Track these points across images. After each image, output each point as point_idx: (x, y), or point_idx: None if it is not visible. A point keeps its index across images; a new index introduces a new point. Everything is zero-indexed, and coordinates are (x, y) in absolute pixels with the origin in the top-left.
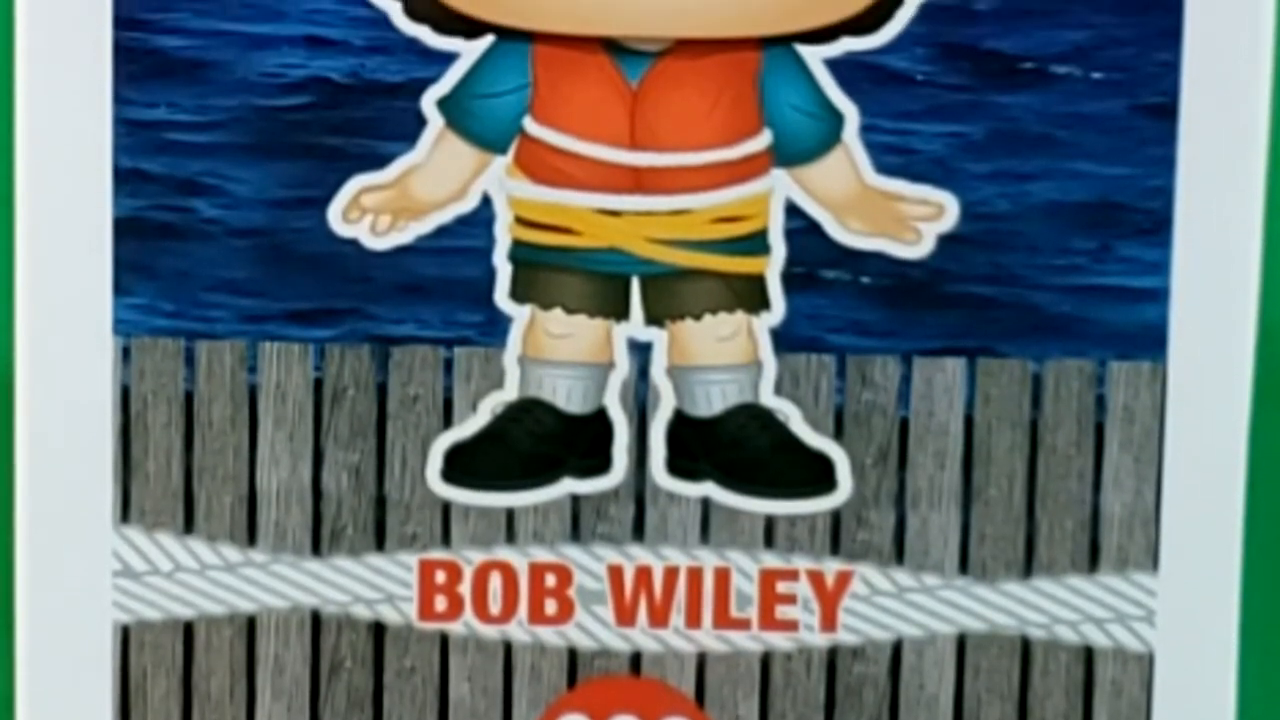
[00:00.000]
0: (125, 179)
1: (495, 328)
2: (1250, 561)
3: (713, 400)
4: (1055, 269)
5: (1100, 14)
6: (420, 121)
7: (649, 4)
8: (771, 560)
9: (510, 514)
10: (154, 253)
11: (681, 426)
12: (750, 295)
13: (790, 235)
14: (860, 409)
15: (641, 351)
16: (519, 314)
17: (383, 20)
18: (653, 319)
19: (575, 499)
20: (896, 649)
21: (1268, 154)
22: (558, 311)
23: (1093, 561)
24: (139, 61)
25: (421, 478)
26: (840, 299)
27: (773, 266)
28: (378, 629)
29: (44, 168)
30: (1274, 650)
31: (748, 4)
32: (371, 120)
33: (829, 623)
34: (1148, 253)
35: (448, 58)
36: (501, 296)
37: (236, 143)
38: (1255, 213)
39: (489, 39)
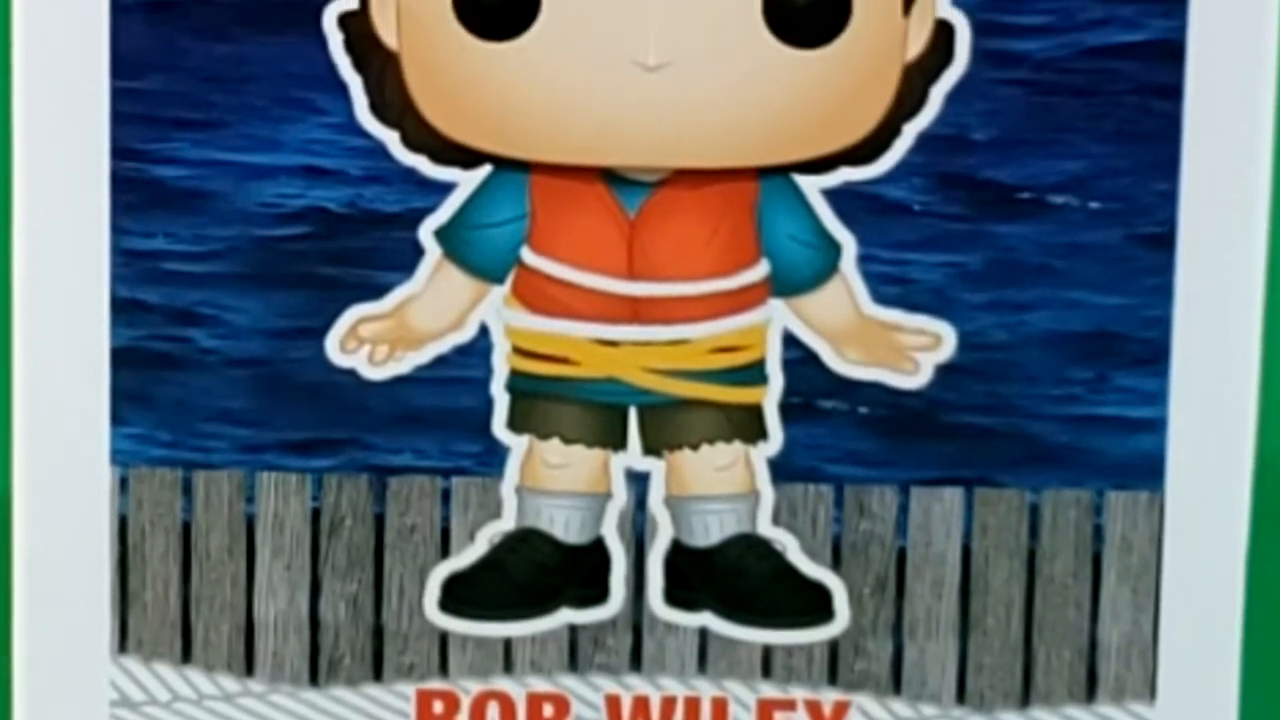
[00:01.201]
0: (123, 309)
1: (493, 458)
2: (1248, 690)
3: (710, 530)
4: (1053, 399)
5: (1098, 144)
6: (418, 251)
7: (647, 134)
8: (769, 690)
9: (508, 644)
10: (151, 383)
11: (679, 556)
12: (748, 425)
13: (788, 365)
14: (858, 539)
15: (639, 481)
16: (516, 444)
17: (380, 150)
18: (650, 449)
19: (573, 629)
20: None
21: (1265, 284)
22: (555, 441)
23: (1090, 691)
24: (136, 191)
25: (419, 608)
26: (838, 429)
27: (770, 396)
28: None
29: (42, 297)
30: None
31: (745, 134)
32: (369, 250)
33: None
34: (1145, 383)
35: (445, 188)
36: (499, 426)
37: (234, 273)
38: (1253, 342)
39: (486, 169)
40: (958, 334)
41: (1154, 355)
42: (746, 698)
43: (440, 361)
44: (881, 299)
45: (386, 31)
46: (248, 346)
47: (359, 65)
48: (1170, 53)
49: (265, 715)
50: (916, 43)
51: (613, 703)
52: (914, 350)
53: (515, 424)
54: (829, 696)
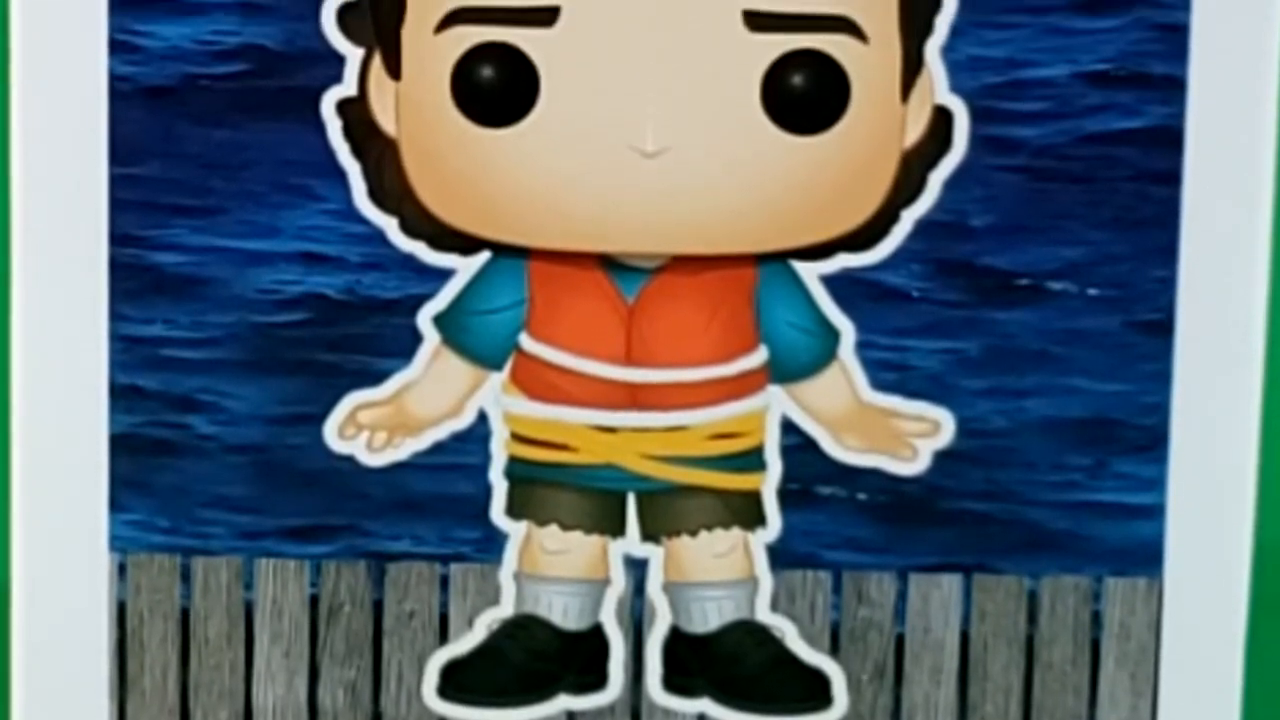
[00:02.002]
0: (121, 395)
1: (491, 544)
2: None
3: (709, 616)
4: (1051, 485)
5: (1096, 230)
6: (416, 338)
7: (645, 221)
8: None
9: None
10: (150, 469)
11: (678, 642)
12: (746, 511)
13: (786, 451)
14: (856, 625)
15: (637, 567)
16: (515, 530)
17: (379, 237)
18: (649, 535)
19: (571, 715)
20: None
21: (1264, 370)
22: (553, 528)
23: None
24: (135, 277)
25: (418, 694)
26: (836, 515)
27: (769, 483)
28: None
29: (41, 383)
30: None
31: (744, 221)
32: (367, 337)
33: None
34: (1144, 469)
35: (444, 274)
36: (497, 513)
37: (232, 359)
38: (1252, 428)
39: (485, 255)
40: (956, 420)
41: (1152, 441)
42: None
43: (438, 448)
44: (880, 385)
45: (385, 118)
46: (246, 433)
47: (357, 152)
48: (1169, 139)
49: None
50: (915, 129)
51: None
52: (912, 437)
53: (513, 510)
54: None
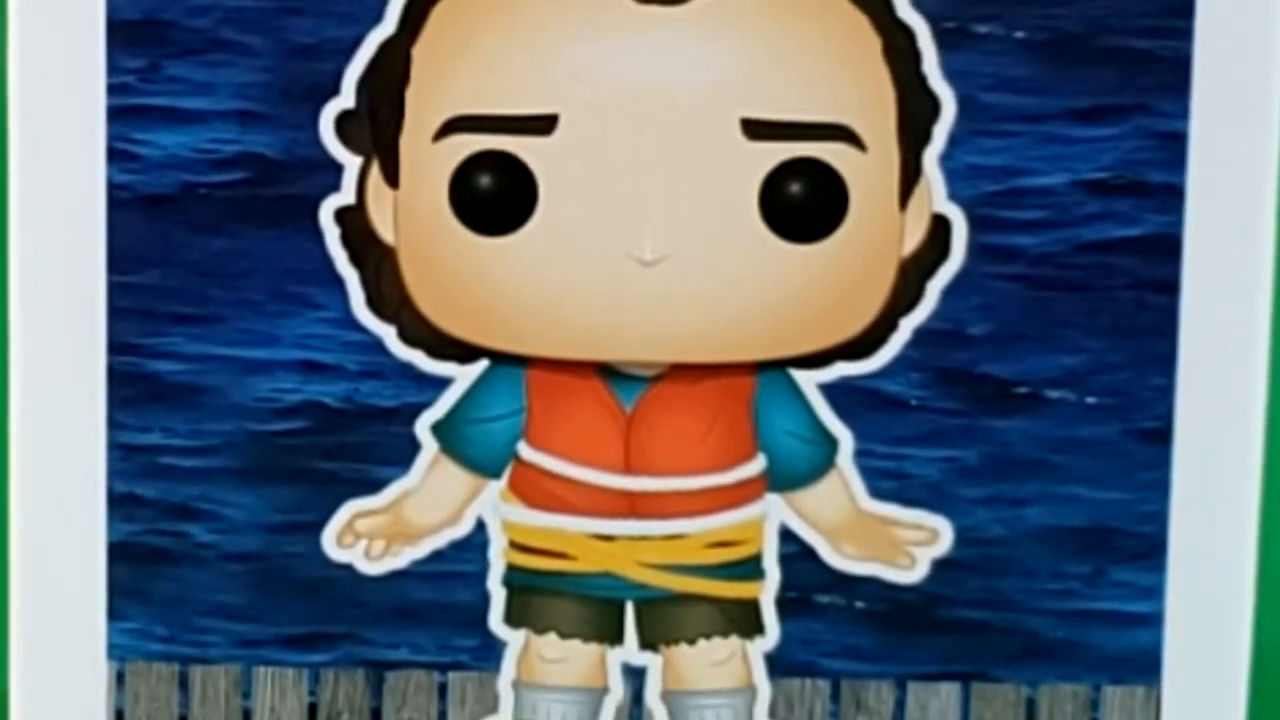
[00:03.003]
0: (119, 504)
1: (489, 653)
2: None
3: None
4: (1049, 594)
5: (1094, 339)
6: (414, 446)
7: (643, 329)
8: None
9: None
10: (148, 578)
11: None
12: (744, 620)
13: (784, 560)
14: None
15: (636, 676)
16: (513, 639)
17: (377, 345)
18: (647, 643)
19: None
20: None
21: (1261, 479)
22: (552, 636)
23: None
24: (133, 386)
25: None
26: (834, 624)
27: (767, 591)
28: None
29: (39, 491)
30: None
31: (742, 329)
32: (366, 445)
33: None
34: (1142, 577)
35: (442, 382)
36: (496, 621)
37: (230, 467)
38: (1249, 538)
39: (483, 364)
40: (954, 529)
41: (1150, 550)
42: None
43: (437, 556)
44: (878, 493)
45: (383, 226)
46: (244, 541)
47: (356, 260)
48: (1167, 248)
49: None
50: (913, 237)
51: None
52: (911, 545)
53: (512, 618)
54: None
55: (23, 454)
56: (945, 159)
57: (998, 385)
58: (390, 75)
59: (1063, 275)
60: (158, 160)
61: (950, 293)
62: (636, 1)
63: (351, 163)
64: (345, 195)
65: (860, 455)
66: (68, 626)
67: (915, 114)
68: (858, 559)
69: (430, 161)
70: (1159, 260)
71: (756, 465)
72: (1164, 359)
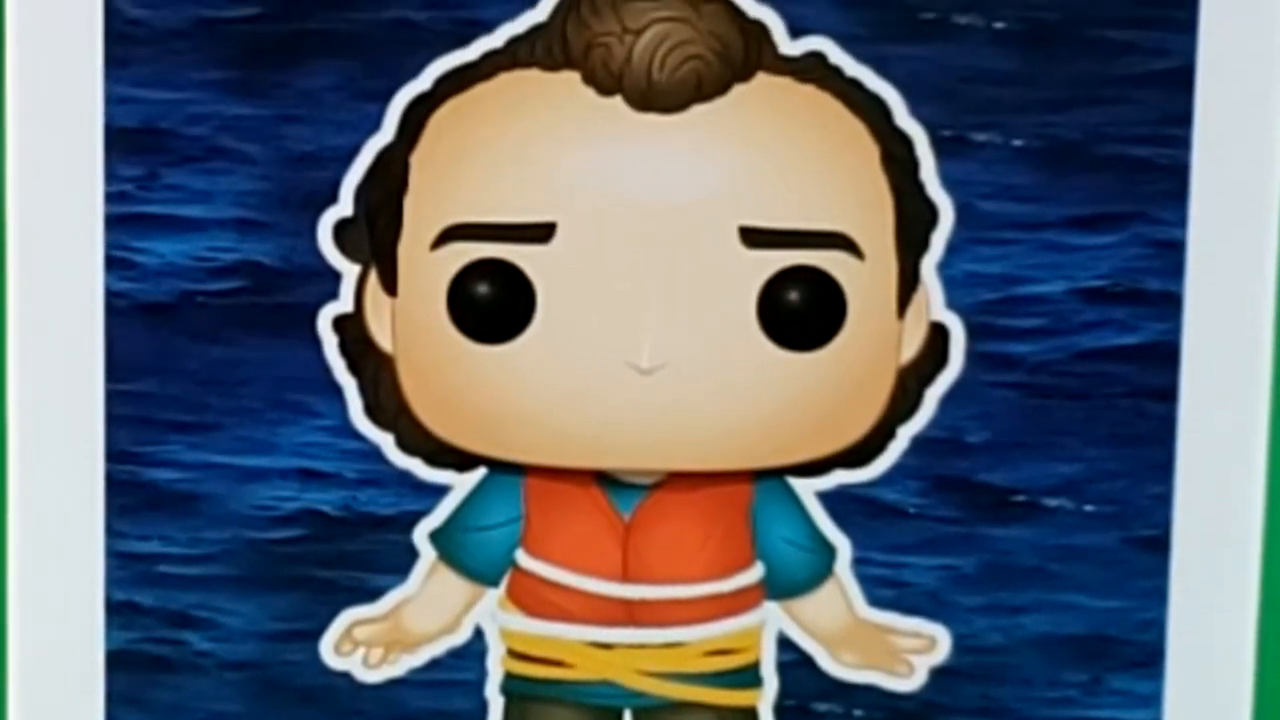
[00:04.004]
0: (117, 611)
1: None
2: None
3: None
4: (1047, 701)
5: (1092, 447)
6: (412, 554)
7: (641, 437)
8: None
9: None
10: (146, 685)
11: None
12: None
13: (782, 668)
14: None
15: None
16: None
17: (375, 453)
18: None
19: None
20: None
21: (1260, 589)
22: None
23: None
24: (131, 494)
25: None
26: None
27: (765, 699)
28: None
29: (37, 600)
30: None
31: (740, 437)
32: (364, 553)
33: None
34: (1140, 685)
35: (440, 490)
36: None
37: (229, 575)
38: (1247, 648)
39: (481, 472)
40: (952, 637)
41: (1149, 658)
42: None
43: (435, 664)
44: (876, 602)
45: (381, 335)
46: (242, 650)
47: (354, 368)
48: (1165, 355)
49: None
50: (911, 345)
51: None
52: (909, 653)
53: None
54: None
55: (21, 561)
56: (943, 267)
57: (996, 493)
58: (388, 183)
59: (1061, 383)
60: (156, 268)
61: (948, 401)
62: (634, 110)
63: (350, 271)
64: (343, 303)
65: (858, 563)
66: None
67: (913, 222)
68: (856, 667)
69: (428, 269)
70: (1157, 368)
71: (755, 573)
72: (1162, 467)
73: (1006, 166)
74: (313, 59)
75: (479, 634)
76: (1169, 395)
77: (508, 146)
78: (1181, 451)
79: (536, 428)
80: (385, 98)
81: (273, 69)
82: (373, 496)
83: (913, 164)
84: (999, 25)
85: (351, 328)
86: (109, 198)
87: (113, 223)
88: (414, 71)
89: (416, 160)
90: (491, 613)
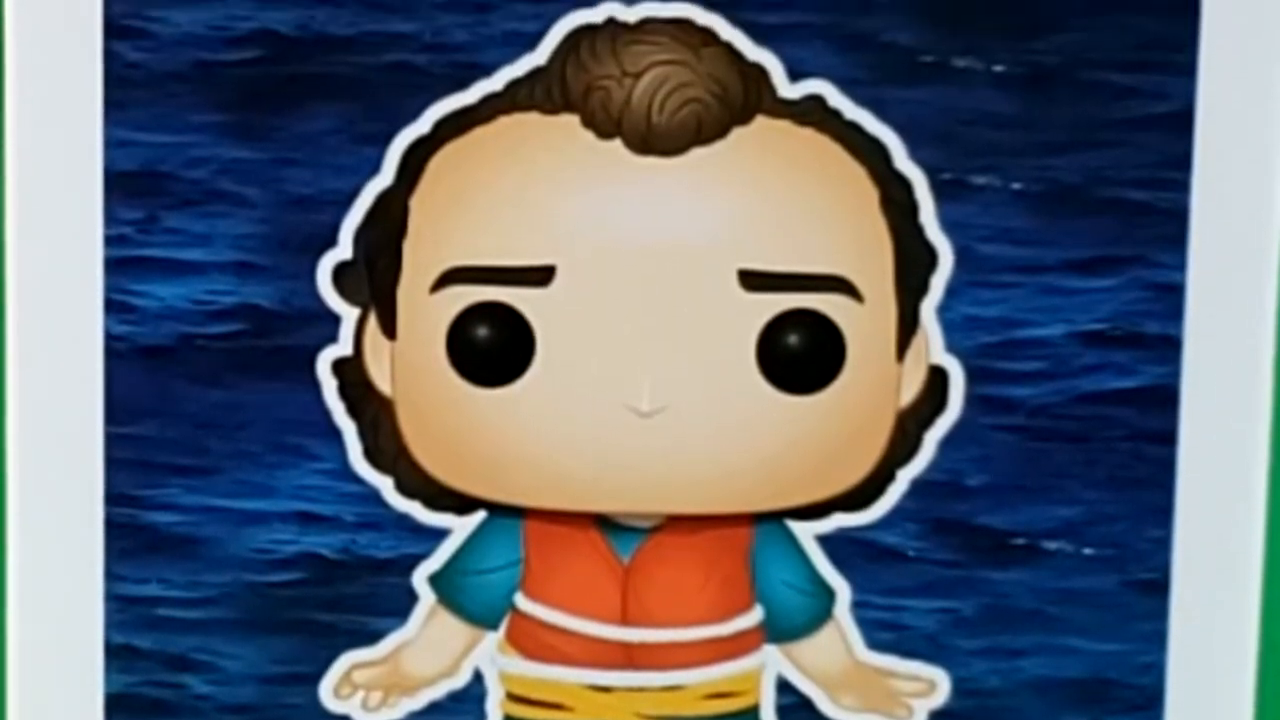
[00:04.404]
0: (117, 655)
1: None
2: None
3: None
4: None
5: (1091, 490)
6: (412, 597)
7: (641, 481)
8: None
9: None
10: None
11: None
12: None
13: (782, 711)
14: None
15: None
16: None
17: (374, 496)
18: None
19: None
20: None
21: (1259, 631)
22: None
23: None
24: (130, 537)
25: None
26: None
27: None
28: None
29: (36, 645)
30: None
31: (740, 481)
32: (363, 597)
33: None
34: None
35: (439, 533)
36: None
37: (228, 619)
38: (1246, 690)
39: (480, 515)
40: (952, 680)
41: (1148, 701)
42: None
43: (434, 708)
44: (876, 645)
45: (380, 378)
46: (242, 693)
47: (353, 411)
48: (1164, 399)
49: None
50: (910, 389)
51: None
52: (908, 696)
53: None
54: None
55: (21, 604)
56: (943, 310)
57: (995, 536)
58: (388, 226)
59: (1060, 426)
60: (155, 312)
61: (948, 444)
62: (634, 153)
63: (349, 314)
64: (343, 347)
65: (858, 606)
66: None
67: (913, 265)
68: (855, 710)
69: (428, 313)
70: (1156, 411)
71: (754, 616)
72: (1161, 510)
73: (1006, 210)
74: (312, 102)
75: (478, 677)
76: (1168, 439)
77: (507, 189)
78: (1181, 495)
79: (536, 471)
80: (384, 141)
81: (272, 112)
82: (372, 540)
83: (912, 207)
84: (998, 68)
85: (351, 371)
86: (108, 241)
87: (112, 266)
88: (413, 115)
89: (416, 203)
90: (491, 656)
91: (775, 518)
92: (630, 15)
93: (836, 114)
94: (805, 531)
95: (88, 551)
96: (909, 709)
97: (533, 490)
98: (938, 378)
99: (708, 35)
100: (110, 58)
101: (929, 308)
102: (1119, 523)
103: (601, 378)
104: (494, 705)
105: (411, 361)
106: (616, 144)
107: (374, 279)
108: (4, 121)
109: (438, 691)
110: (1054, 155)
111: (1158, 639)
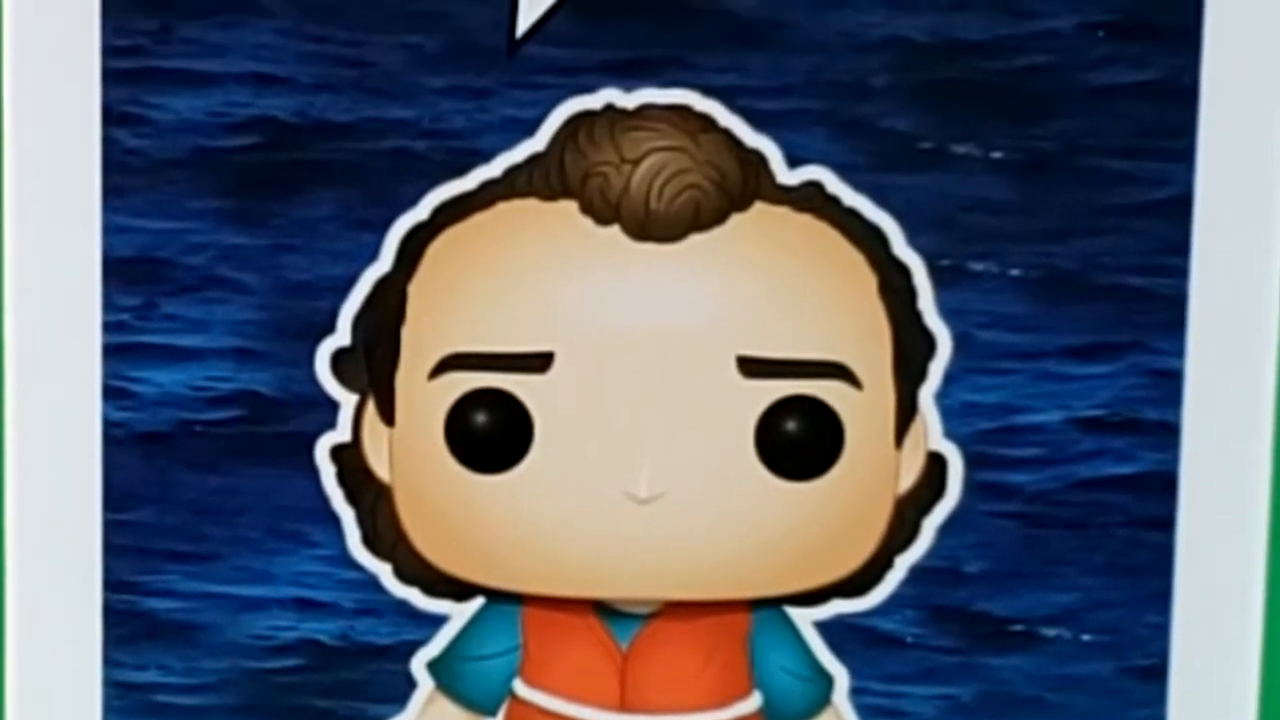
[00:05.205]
0: None
1: None
2: None
3: None
4: None
5: (1090, 576)
6: (410, 684)
7: (639, 567)
8: None
9: None
10: None
11: None
12: None
13: None
14: None
15: None
16: None
17: (372, 583)
18: None
19: None
20: None
21: (1259, 715)
22: None
23: None
24: (128, 624)
25: None
26: None
27: None
28: None
29: None
30: None
31: (738, 567)
32: (361, 682)
33: None
34: None
35: (438, 620)
36: None
37: (226, 705)
38: None
39: (479, 601)
40: None
41: None
42: None
43: None
44: None
45: (379, 464)
46: None
47: (351, 498)
48: (1162, 485)
49: None
50: (909, 475)
51: None
52: None
53: None
54: None
55: (20, 690)
56: (941, 396)
57: (993, 623)
58: (386, 313)
59: (1058, 513)
60: (154, 398)
61: (946, 530)
62: (632, 239)
63: (347, 400)
64: (341, 433)
65: (856, 693)
66: None
67: (911, 351)
68: None
69: (426, 399)
70: (1155, 498)
71: (752, 702)
72: (1160, 597)
73: (1004, 296)
74: (310, 188)
75: None
76: (1167, 525)
77: (505, 276)
78: (1179, 581)
79: (534, 557)
80: (383, 227)
81: (270, 199)
82: (371, 626)
83: (910, 293)
84: (996, 155)
85: (349, 457)
86: (107, 327)
87: (111, 352)
88: (411, 201)
89: (414, 290)
90: None
91: (773, 604)
92: (629, 101)
93: (835, 200)
94: (804, 618)
95: (86, 638)
96: None
97: (531, 577)
98: (936, 464)
99: (706, 121)
100: (109, 144)
101: (927, 394)
102: (1117, 609)
103: (600, 464)
104: None
105: (410, 448)
106: (615, 230)
107: (372, 365)
108: (3, 207)
109: None
110: (1052, 241)
111: None
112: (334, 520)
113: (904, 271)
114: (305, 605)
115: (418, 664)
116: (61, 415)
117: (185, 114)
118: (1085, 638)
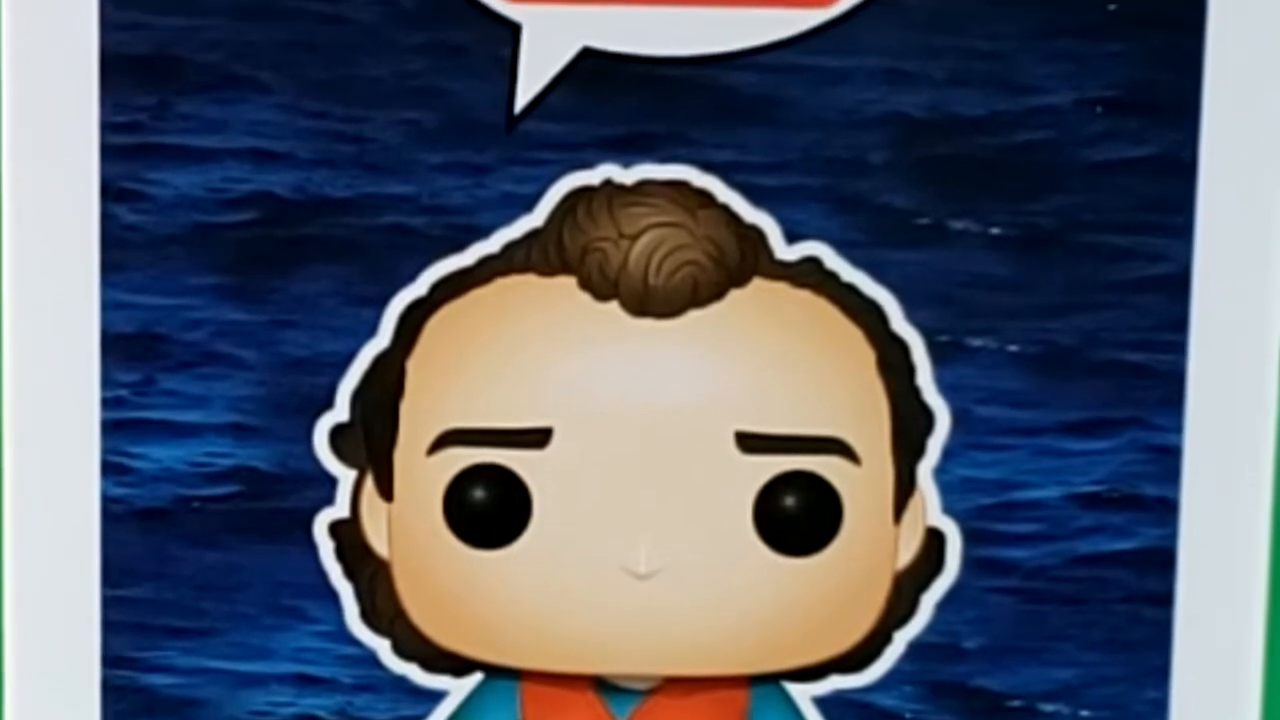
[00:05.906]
0: None
1: None
2: None
3: None
4: None
5: (1088, 652)
6: None
7: (637, 643)
8: None
9: None
10: None
11: None
12: None
13: None
14: None
15: None
16: None
17: (371, 659)
18: None
19: None
20: None
21: None
22: None
23: None
24: (127, 699)
25: None
26: None
27: None
28: None
29: None
30: None
31: (736, 643)
32: None
33: None
34: None
35: (436, 696)
36: None
37: None
38: None
39: (477, 677)
40: None
41: None
42: None
43: None
44: None
45: (377, 540)
46: None
47: (350, 573)
48: (1161, 561)
49: None
50: (907, 551)
51: None
52: None
53: None
54: None
55: None
56: (939, 472)
57: (992, 699)
58: (384, 389)
59: (1057, 589)
60: (152, 474)
61: (944, 606)
62: (630, 315)
63: (346, 476)
64: (339, 509)
65: None
66: None
67: (909, 427)
68: None
69: (424, 475)
70: (1154, 574)
71: None
72: (1159, 672)
73: (1002, 372)
74: (308, 264)
75: None
76: (1166, 601)
77: (504, 351)
78: (1178, 657)
79: (532, 633)
80: (381, 303)
81: (268, 274)
82: (369, 702)
83: (909, 369)
84: (995, 231)
85: (347, 533)
86: (105, 403)
87: (109, 428)
88: (410, 277)
89: (412, 365)
90: None
91: (772, 679)
92: (627, 177)
93: (833, 276)
94: (802, 693)
95: (85, 714)
96: None
97: (529, 652)
98: (934, 540)
99: (705, 197)
100: (107, 220)
101: (926, 469)
102: (1116, 685)
103: (598, 539)
104: None
105: (408, 523)
106: (613, 306)
107: (371, 441)
108: (3, 282)
109: None
110: (1051, 317)
111: None
112: (332, 596)
113: (902, 347)
114: (304, 681)
115: None
116: (60, 491)
117: (184, 190)
118: (1084, 714)
